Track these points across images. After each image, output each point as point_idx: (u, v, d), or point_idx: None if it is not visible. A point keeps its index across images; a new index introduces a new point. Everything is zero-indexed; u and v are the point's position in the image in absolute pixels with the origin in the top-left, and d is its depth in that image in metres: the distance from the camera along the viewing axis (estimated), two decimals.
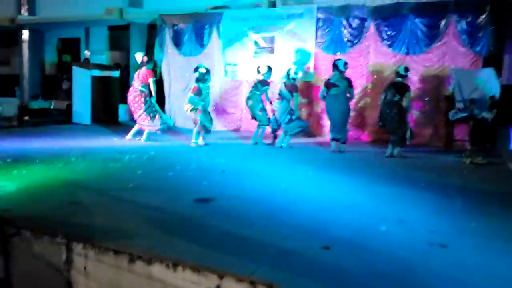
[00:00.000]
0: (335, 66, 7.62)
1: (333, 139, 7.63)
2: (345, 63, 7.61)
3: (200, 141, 7.90)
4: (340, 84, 7.52)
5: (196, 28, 10.61)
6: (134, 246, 3.10)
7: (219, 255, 2.97)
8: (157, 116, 8.19)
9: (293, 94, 7.86)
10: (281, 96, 7.84)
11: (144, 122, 8.14)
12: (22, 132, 9.49)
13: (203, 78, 7.84)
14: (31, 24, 13.90)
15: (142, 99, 8.11)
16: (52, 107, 12.46)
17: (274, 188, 4.78)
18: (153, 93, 8.11)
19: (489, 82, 7.88)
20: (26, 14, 13.96)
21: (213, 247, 3.09)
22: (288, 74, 7.97)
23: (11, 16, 13.80)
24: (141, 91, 8.11)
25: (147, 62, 8.29)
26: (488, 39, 8.22)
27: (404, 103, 7.13)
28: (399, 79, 7.37)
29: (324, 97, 7.70)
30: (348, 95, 7.56)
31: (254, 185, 4.96)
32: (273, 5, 10.12)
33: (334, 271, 2.76)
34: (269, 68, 8.31)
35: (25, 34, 14.11)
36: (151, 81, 8.07)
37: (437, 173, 6.02)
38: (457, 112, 7.83)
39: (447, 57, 8.57)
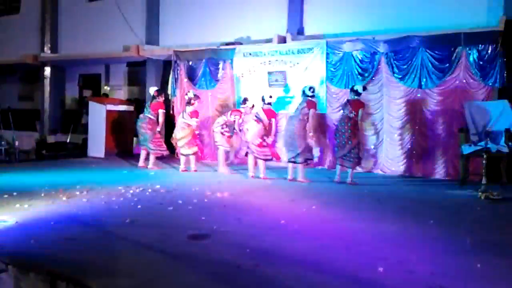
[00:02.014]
0: (302, 92, 7.88)
1: (289, 161, 7.75)
2: (310, 88, 7.85)
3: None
4: (299, 106, 7.78)
5: (210, 64, 10.79)
6: (117, 286, 3.00)
7: None
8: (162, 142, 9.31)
9: (271, 119, 8.04)
10: (258, 119, 7.99)
11: (153, 146, 9.09)
12: (37, 165, 9.67)
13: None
14: (53, 61, 14.44)
15: (153, 125, 9.21)
16: (68, 140, 12.73)
17: (273, 225, 4.63)
18: (160, 123, 9.15)
19: (503, 114, 7.66)
20: (48, 52, 14.53)
21: None
22: (263, 99, 8.22)
23: (34, 53, 14.39)
24: (151, 118, 9.19)
25: (158, 95, 9.29)
26: (500, 71, 8.05)
27: (358, 117, 7.55)
28: (356, 97, 7.69)
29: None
30: (306, 117, 7.60)
31: (252, 221, 4.83)
32: (283, 40, 10.24)
33: None
34: (245, 99, 9.12)
35: (47, 70, 14.63)
36: (160, 112, 9.12)
37: (448, 209, 5.77)
38: (471, 145, 7.61)
39: (460, 90, 8.40)
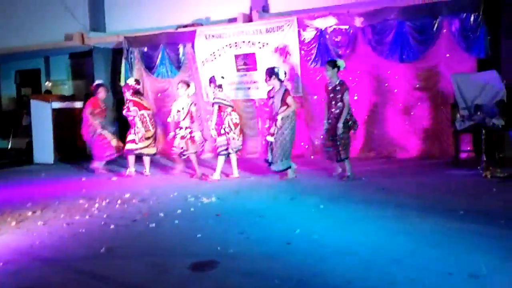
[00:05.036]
0: (276, 75, 6.48)
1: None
2: (285, 73, 6.72)
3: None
4: (276, 95, 6.46)
5: (168, 49, 9.68)
6: None
7: None
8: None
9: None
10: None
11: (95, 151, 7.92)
12: None
13: None
14: None
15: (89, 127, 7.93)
16: (10, 146, 11.19)
17: (288, 236, 3.76)
18: (93, 124, 7.81)
19: (492, 86, 7.23)
20: None
21: None
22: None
23: None
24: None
25: (95, 90, 7.94)
26: (483, 41, 7.61)
27: (345, 103, 6.22)
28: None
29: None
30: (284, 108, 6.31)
31: (261, 233, 3.93)
32: (249, 19, 9.30)
33: None
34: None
35: None
36: (87, 111, 7.81)
37: (464, 193, 5.20)
38: (464, 120, 7.14)
39: (443, 62, 7.90)
